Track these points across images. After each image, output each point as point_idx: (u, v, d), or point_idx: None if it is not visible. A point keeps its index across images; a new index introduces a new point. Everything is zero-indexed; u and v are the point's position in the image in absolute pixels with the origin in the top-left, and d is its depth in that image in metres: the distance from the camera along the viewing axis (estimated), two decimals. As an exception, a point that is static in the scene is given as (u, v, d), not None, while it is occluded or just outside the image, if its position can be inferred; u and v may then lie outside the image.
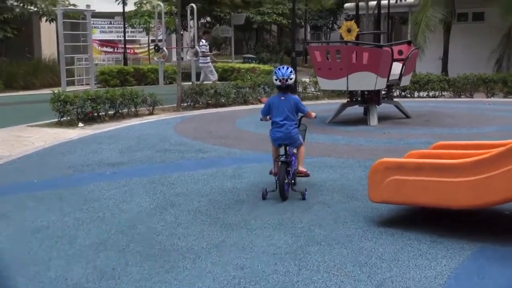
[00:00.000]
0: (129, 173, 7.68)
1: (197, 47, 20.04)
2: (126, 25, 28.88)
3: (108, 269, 4.43)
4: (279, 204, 6.06)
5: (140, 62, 29.86)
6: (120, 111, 13.48)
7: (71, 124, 12.28)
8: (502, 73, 19.11)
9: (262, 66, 24.70)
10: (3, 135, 11.03)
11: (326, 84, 12.48)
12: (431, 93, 17.61)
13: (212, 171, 7.68)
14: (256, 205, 6.07)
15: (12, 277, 4.35)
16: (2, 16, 23.25)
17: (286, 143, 6.42)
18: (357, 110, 13.03)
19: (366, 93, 12.31)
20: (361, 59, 11.60)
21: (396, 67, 12.26)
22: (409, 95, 17.49)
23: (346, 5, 29.80)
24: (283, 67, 6.53)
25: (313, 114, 6.68)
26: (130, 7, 29.03)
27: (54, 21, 23.24)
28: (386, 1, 18.26)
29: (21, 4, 23.80)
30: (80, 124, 12.30)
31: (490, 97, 17.12)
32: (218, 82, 18.16)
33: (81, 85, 22.44)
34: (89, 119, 12.70)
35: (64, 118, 12.47)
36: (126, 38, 28.83)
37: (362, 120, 12.28)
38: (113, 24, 31.70)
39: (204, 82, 17.64)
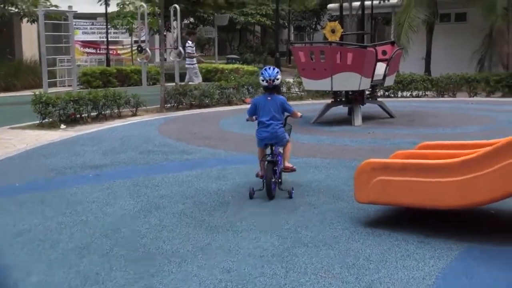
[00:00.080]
0: (112, 175, 7.58)
1: (180, 48, 19.95)
2: (109, 26, 28.67)
3: (92, 274, 4.34)
4: (265, 206, 6.01)
5: (123, 63, 29.65)
6: (103, 112, 13.36)
7: (53, 126, 12.13)
8: (484, 73, 19.26)
9: (246, 67, 24.65)
10: (-17, 138, 10.86)
11: (310, 84, 12.46)
12: (414, 93, 17.70)
13: (197, 173, 7.60)
14: (242, 207, 6.01)
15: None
16: (-18, 17, 22.97)
17: (273, 142, 6.43)
18: (341, 110, 13.02)
19: (350, 93, 12.32)
20: (345, 59, 11.59)
21: (380, 67, 12.28)
22: (392, 95, 17.55)
23: (330, 5, 29.87)
24: (269, 68, 6.54)
25: (299, 114, 6.71)
26: (113, 8, 28.81)
27: (36, 22, 22.98)
28: (370, 2, 18.34)
29: (2, 5, 23.49)
30: (62, 126, 12.15)
31: (473, 97, 17.23)
32: (202, 83, 18.09)
33: (63, 86, 22.19)
34: (72, 120, 12.56)
35: (46, 120, 12.32)
36: (109, 39, 28.63)
37: (347, 120, 12.28)
38: (96, 25, 31.45)
39: (189, 83, 17.57)
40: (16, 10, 23.94)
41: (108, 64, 26.80)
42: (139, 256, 4.69)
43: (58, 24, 23.60)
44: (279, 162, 6.43)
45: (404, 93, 17.65)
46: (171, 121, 12.95)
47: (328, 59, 11.75)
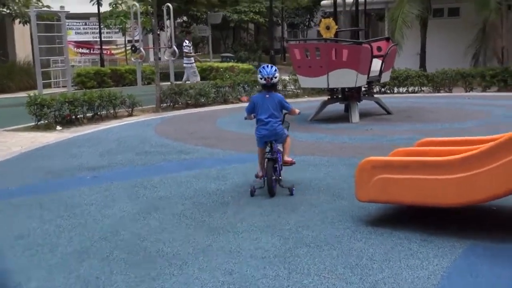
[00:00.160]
0: (110, 177, 7.52)
1: (174, 46, 19.89)
2: (102, 26, 28.54)
3: (92, 278, 4.29)
4: (265, 206, 5.96)
5: (117, 63, 29.55)
6: (98, 113, 13.29)
7: (48, 127, 12.05)
8: (479, 68, 19.25)
9: (240, 65, 24.58)
10: (-22, 141, 10.78)
11: (306, 82, 12.42)
12: (410, 89, 17.68)
13: (195, 173, 7.55)
14: (242, 207, 5.96)
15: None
16: (-26, 19, 22.83)
17: (272, 139, 6.44)
18: (338, 107, 12.99)
19: (347, 90, 12.27)
20: (340, 56, 11.56)
21: (376, 64, 12.24)
22: (388, 91, 17.53)
23: (323, 2, 29.80)
24: (267, 66, 6.58)
25: (297, 111, 6.75)
26: (105, 8, 28.68)
27: (28, 23, 22.85)
28: (363, -2, 18.27)
29: (-7, 7, 23.38)
30: (58, 128, 12.08)
31: (469, 92, 17.22)
32: (199, 81, 18.06)
33: (58, 87, 22.06)
34: (67, 122, 12.49)
35: (41, 122, 12.25)
36: (102, 39, 28.51)
37: (344, 117, 12.24)
38: (88, 25, 31.32)
39: (187, 82, 17.55)
40: (8, 11, 23.80)
41: (102, 64, 26.69)
42: (139, 259, 4.64)
43: (50, 25, 23.47)
44: (278, 160, 6.45)
45: (400, 89, 17.64)
46: (167, 121, 12.89)
47: (324, 56, 11.71)
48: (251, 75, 18.98)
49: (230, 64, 25.47)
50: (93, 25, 30.54)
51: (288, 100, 6.90)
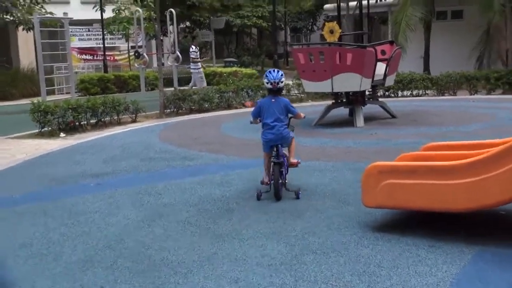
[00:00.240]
0: (114, 184, 7.48)
1: (177, 52, 19.92)
2: (105, 32, 28.56)
3: (96, 287, 4.24)
4: (270, 212, 5.90)
5: (121, 69, 29.56)
6: (102, 119, 13.27)
7: (52, 134, 12.03)
8: (483, 70, 19.16)
9: (244, 70, 24.57)
10: (-18, 148, 10.75)
11: (310, 86, 12.37)
12: (414, 92, 17.60)
13: (200, 179, 7.50)
14: (247, 213, 5.91)
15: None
16: (-23, 26, 22.86)
17: (278, 143, 6.49)
18: (342, 111, 12.93)
19: (351, 94, 12.22)
20: (345, 60, 11.51)
21: (380, 67, 12.19)
22: (393, 95, 17.46)
23: (326, 6, 29.77)
24: (273, 71, 6.66)
25: (302, 115, 6.83)
26: (108, 14, 28.71)
27: (32, 30, 22.88)
28: (366, 1, 18.24)
29: (-3, 14, 23.41)
30: (62, 135, 12.06)
31: (474, 95, 17.14)
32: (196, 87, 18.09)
33: (61, 94, 22.09)
34: (71, 129, 12.47)
35: (45, 129, 12.23)
36: (106, 45, 28.51)
37: (348, 122, 12.18)
38: (92, 31, 31.33)
39: (193, 88, 17.59)
40: (12, 18, 23.84)
41: (105, 71, 26.70)
42: (144, 267, 4.59)
43: (54, 32, 23.49)
44: (284, 164, 6.49)
45: (404, 93, 17.56)
46: (171, 127, 12.85)
47: (328, 60, 11.65)
48: (254, 80, 18.97)
49: (234, 69, 25.46)
50: (97, 31, 30.57)
51: (292, 105, 6.86)
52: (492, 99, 15.80)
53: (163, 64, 18.94)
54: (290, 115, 6.65)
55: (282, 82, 6.54)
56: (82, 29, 30.96)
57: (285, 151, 6.66)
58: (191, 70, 18.63)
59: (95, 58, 31.49)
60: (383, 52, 12.78)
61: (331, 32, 12.22)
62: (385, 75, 12.33)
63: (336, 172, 7.60)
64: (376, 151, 8.90)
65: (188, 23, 36.62)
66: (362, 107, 12.12)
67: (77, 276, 4.47)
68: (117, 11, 28.69)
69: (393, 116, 12.59)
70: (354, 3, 22.88)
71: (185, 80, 25.48)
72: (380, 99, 13.88)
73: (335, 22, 13.30)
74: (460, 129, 10.64)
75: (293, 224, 5.48)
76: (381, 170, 5.06)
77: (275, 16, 27.24)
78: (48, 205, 6.59)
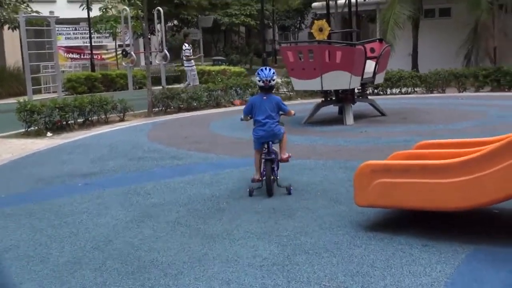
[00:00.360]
0: (102, 184, 7.37)
1: (165, 51, 19.80)
2: (92, 31, 28.34)
3: (85, 290, 4.15)
4: (261, 212, 5.83)
5: (108, 68, 29.36)
6: (89, 118, 13.14)
7: (39, 134, 11.89)
8: (472, 68, 19.20)
9: (232, 68, 24.49)
10: (-33, 148, 10.59)
11: (300, 84, 12.30)
12: (403, 90, 17.59)
13: (189, 179, 7.41)
14: (238, 213, 5.83)
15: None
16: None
17: (269, 140, 6.55)
18: (332, 109, 12.88)
19: (340, 92, 12.16)
20: (334, 58, 11.45)
21: (370, 65, 12.15)
22: (382, 93, 17.45)
23: (314, 4, 29.73)
24: (265, 69, 6.70)
25: (292, 112, 6.91)
26: (95, 13, 28.48)
27: (17, 29, 22.65)
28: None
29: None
30: (49, 134, 11.92)
31: (462, 92, 17.16)
32: (191, 86, 17.97)
33: (48, 93, 21.89)
34: (58, 128, 12.33)
35: (32, 128, 12.08)
36: (93, 44, 28.29)
37: (338, 120, 12.13)
38: (78, 30, 31.11)
39: (189, 86, 17.49)
40: (-3, 17, 23.61)
41: (93, 69, 26.50)
42: (133, 269, 4.49)
43: (40, 30, 23.25)
44: (275, 160, 6.55)
45: (393, 90, 17.55)
46: (159, 126, 12.74)
47: (317, 58, 11.59)
48: (243, 78, 18.88)
49: (222, 67, 25.38)
50: (83, 30, 30.35)
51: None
52: (481, 97, 15.83)
53: (151, 63, 18.81)
54: (281, 112, 6.66)
55: (274, 80, 6.60)
56: (69, 27, 30.71)
57: (275, 147, 6.69)
58: (185, 68, 18.50)
59: (82, 57, 31.25)
60: (372, 50, 12.75)
61: (320, 30, 12.15)
62: (375, 73, 12.30)
63: (327, 170, 7.54)
64: (367, 149, 8.85)
65: (175, 22, 36.47)
66: (352, 105, 12.08)
67: (65, 278, 4.38)
68: (104, 10, 28.46)
69: (382, 114, 12.57)
70: (343, 1, 22.83)
71: (173, 78, 25.41)
72: (369, 97, 13.85)
73: (324, 20, 13.25)
74: (450, 127, 10.63)
75: (284, 223, 5.41)
76: (374, 169, 5.00)
77: (263, 15, 27.12)
78: (34, 206, 6.47)
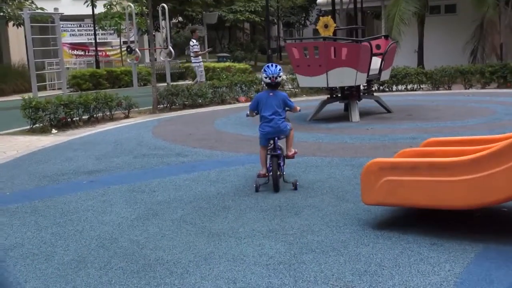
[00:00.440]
0: (107, 181, 7.34)
1: (170, 47, 19.76)
2: (97, 28, 28.33)
3: (90, 289, 4.12)
4: (267, 209, 5.78)
5: (113, 65, 29.36)
6: (94, 115, 13.11)
7: (44, 131, 11.87)
8: (478, 65, 19.09)
9: (237, 65, 24.43)
10: (-28, 145, 10.58)
11: (305, 81, 12.23)
12: (409, 86, 17.51)
13: (194, 176, 7.37)
14: (243, 211, 5.78)
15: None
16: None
17: (276, 136, 6.57)
18: (337, 106, 12.82)
19: (346, 88, 12.10)
20: (340, 54, 11.38)
21: (375, 62, 12.07)
22: (387, 89, 17.37)
23: (319, 0, 29.65)
24: (272, 65, 6.71)
25: (298, 108, 6.93)
26: (100, 9, 28.48)
27: (22, 26, 22.65)
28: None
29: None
30: (54, 131, 11.89)
31: (468, 89, 17.06)
32: (196, 82, 17.91)
33: (53, 90, 21.91)
34: (63, 125, 12.30)
35: (37, 125, 12.06)
36: (97, 41, 28.30)
37: (344, 117, 12.07)
38: (83, 26, 31.13)
39: (198, 82, 17.41)
40: (1, 14, 23.60)
41: (97, 66, 26.50)
42: (138, 268, 4.45)
43: (45, 27, 23.26)
44: (281, 156, 6.58)
45: (399, 87, 17.47)
46: (164, 123, 12.70)
47: (322, 55, 11.52)
48: (248, 75, 18.82)
49: (227, 64, 25.32)
50: (88, 26, 30.36)
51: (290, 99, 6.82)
52: (487, 93, 15.72)
53: (155, 60, 18.77)
54: (287, 108, 6.69)
55: (280, 76, 6.63)
56: (74, 24, 30.73)
57: (281, 143, 6.69)
58: (192, 64, 18.41)
59: (86, 53, 31.28)
60: (378, 47, 12.68)
61: (326, 26, 12.10)
62: (381, 70, 12.23)
63: (333, 168, 7.48)
64: (373, 146, 8.79)
65: (180, 18, 36.44)
66: (358, 102, 12.01)
67: (69, 277, 4.34)
68: (108, 6, 28.47)
69: (388, 111, 12.49)
70: (347, -3, 22.78)
71: (177, 75, 25.38)
72: (375, 94, 13.78)
73: (330, 16, 13.18)
74: (457, 124, 10.55)
75: (291, 221, 5.36)
76: (381, 167, 4.94)
77: (268, 11, 27.02)
78: (39, 203, 6.45)
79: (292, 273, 4.18)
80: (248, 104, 7.05)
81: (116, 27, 28.44)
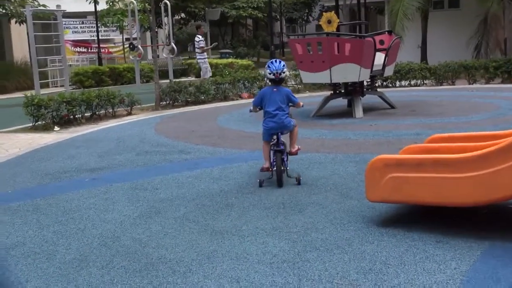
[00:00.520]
0: (109, 179, 7.29)
1: (172, 44, 19.71)
2: (99, 24, 28.28)
3: (92, 288, 4.07)
4: (271, 207, 5.73)
5: (115, 62, 29.31)
6: (97, 112, 13.07)
7: (46, 128, 11.83)
8: (482, 60, 18.98)
9: (240, 61, 24.38)
10: (-26, 143, 10.54)
11: (308, 77, 12.16)
12: (412, 82, 17.43)
13: (197, 173, 7.32)
14: (247, 208, 5.73)
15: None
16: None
17: (280, 131, 6.59)
18: (341, 102, 12.75)
19: (349, 84, 12.02)
20: (343, 50, 11.32)
21: (379, 58, 12.00)
22: (391, 85, 17.29)
23: (322, -4, 29.57)
24: (276, 61, 6.73)
25: (301, 103, 6.92)
26: (102, 6, 28.40)
27: (24, 23, 22.62)
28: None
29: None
30: (56, 128, 11.86)
31: (472, 84, 16.97)
32: (197, 78, 17.84)
33: (55, 87, 21.88)
34: (65, 122, 12.27)
35: (39, 123, 12.03)
36: (100, 38, 28.24)
37: (347, 113, 12.00)
38: (86, 23, 31.06)
39: (204, 78, 17.29)
40: (4, 11, 23.57)
41: (100, 63, 26.46)
42: (141, 266, 4.41)
43: (47, 24, 23.22)
44: (285, 151, 6.59)
45: (403, 83, 17.39)
46: (167, 119, 12.66)
47: (326, 51, 11.45)
48: (250, 71, 18.76)
49: (229, 60, 25.26)
50: (90, 23, 30.30)
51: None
52: (491, 89, 15.63)
53: (158, 56, 18.72)
54: (290, 104, 6.70)
55: (284, 72, 6.66)
56: (76, 21, 30.67)
57: (284, 139, 6.70)
58: (198, 60, 18.32)
59: (89, 50, 31.23)
60: (381, 42, 12.60)
61: (329, 22, 12.02)
62: (384, 65, 12.15)
63: (337, 164, 7.42)
64: (377, 142, 8.73)
65: (183, 15, 36.37)
66: (361, 98, 11.94)
67: (71, 276, 4.30)
68: (111, 3, 28.39)
69: (392, 107, 12.42)
70: (351, -7, 22.67)
71: (180, 72, 25.33)
72: (378, 90, 13.70)
73: (333, 12, 13.11)
74: (461, 119, 10.48)
75: (294, 219, 5.30)
76: (387, 163, 4.87)
77: (271, 7, 26.92)
78: (41, 201, 6.41)
79: (296, 272, 4.13)
80: (251, 100, 7.00)
81: (118, 24, 28.37)
